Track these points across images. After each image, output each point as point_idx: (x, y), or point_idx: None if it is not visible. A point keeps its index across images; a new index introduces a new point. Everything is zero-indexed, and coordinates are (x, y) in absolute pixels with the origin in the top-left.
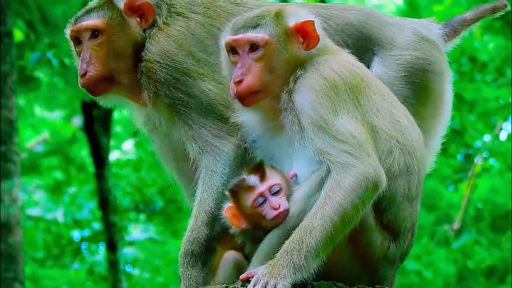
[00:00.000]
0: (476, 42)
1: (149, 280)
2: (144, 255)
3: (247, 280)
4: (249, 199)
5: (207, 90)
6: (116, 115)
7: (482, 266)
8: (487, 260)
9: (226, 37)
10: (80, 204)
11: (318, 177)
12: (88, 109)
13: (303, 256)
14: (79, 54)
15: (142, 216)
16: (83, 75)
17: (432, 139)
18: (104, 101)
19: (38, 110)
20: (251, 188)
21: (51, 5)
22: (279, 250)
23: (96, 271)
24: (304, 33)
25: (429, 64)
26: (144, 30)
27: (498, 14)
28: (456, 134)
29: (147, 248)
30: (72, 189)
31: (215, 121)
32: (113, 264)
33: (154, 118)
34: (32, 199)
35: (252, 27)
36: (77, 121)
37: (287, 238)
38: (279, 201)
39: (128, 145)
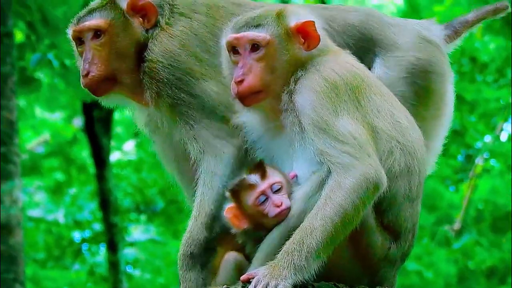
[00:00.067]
0: (477, 42)
1: (150, 281)
2: (145, 256)
3: (248, 281)
4: (250, 198)
5: (209, 90)
6: (117, 116)
7: (482, 267)
8: (487, 261)
9: (227, 36)
10: (80, 205)
11: (319, 178)
12: (88, 110)
13: (303, 257)
14: (81, 54)
15: (143, 217)
16: (86, 75)
17: (433, 140)
18: (106, 101)
19: (38, 111)
20: (252, 186)
21: (51, 6)
22: (280, 250)
23: (96, 272)
24: (305, 33)
25: (430, 65)
26: (147, 30)
27: (499, 15)
28: (456, 135)
29: (148, 249)
30: (72, 190)
31: (216, 122)
32: (113, 265)
33: (156, 118)
34: (32, 200)
35: (254, 26)
36: (78, 122)
37: (288, 239)
38: (281, 199)
39: (129, 146)
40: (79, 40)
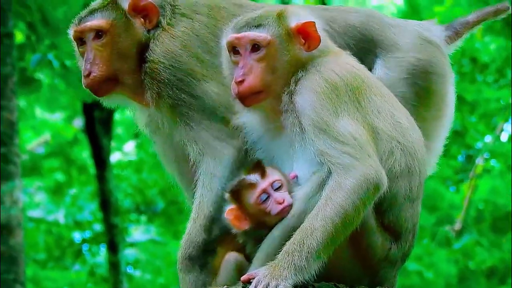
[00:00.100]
0: (477, 43)
1: (150, 281)
2: (145, 257)
3: (248, 282)
4: (252, 197)
5: (210, 92)
6: (117, 116)
7: (483, 267)
8: (488, 261)
9: (227, 36)
10: (81, 205)
11: (319, 178)
12: (89, 110)
13: (304, 257)
14: (82, 54)
15: (143, 218)
16: (87, 75)
17: (434, 141)
18: (107, 101)
19: (39, 112)
20: (253, 185)
21: (52, 7)
22: (280, 251)
23: (97, 272)
24: (306, 34)
25: (431, 66)
26: (148, 31)
27: (500, 17)
28: (457, 135)
29: (148, 249)
30: (73, 191)
31: (216, 124)
32: (114, 265)
33: (157, 119)
34: (33, 200)
35: (254, 26)
36: (78, 122)
37: (288, 239)
38: (283, 196)
39: (129, 146)
40: (80, 40)
